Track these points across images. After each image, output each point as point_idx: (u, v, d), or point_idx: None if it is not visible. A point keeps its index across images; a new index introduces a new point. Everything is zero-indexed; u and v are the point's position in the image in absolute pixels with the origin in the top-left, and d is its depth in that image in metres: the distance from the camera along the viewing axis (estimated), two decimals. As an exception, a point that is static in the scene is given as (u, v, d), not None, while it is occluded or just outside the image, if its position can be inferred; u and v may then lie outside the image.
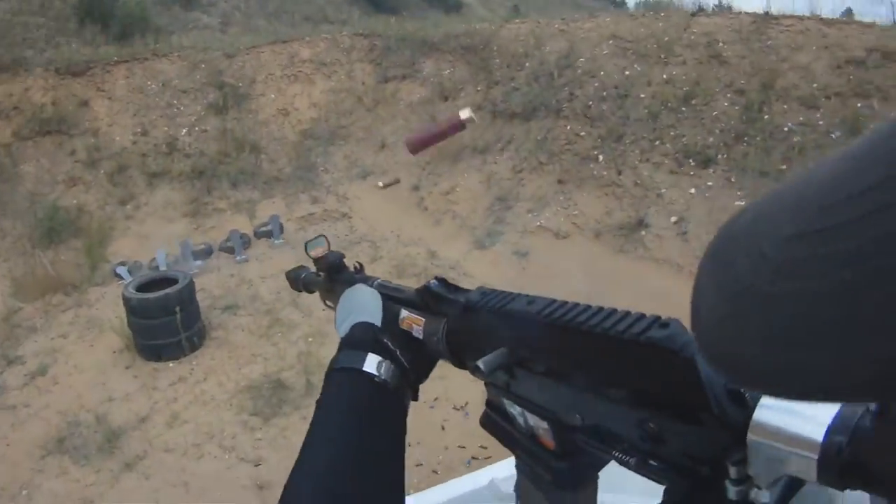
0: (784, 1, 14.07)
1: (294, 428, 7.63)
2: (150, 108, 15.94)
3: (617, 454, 0.79)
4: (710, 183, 10.96)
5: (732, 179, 10.73)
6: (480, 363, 0.91)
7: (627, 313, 0.77)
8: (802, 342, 0.37)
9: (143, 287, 9.47)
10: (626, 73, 13.65)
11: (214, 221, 13.97)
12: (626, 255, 10.76)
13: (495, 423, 1.09)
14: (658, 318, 0.72)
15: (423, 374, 1.22)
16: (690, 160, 11.45)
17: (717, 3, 17.70)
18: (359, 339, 1.17)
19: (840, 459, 0.54)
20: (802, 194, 0.41)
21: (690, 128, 11.93)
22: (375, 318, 1.23)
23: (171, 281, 9.55)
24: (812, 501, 0.63)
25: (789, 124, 10.94)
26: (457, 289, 1.14)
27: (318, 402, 1.08)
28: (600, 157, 12.55)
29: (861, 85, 10.81)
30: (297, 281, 1.71)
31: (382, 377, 1.09)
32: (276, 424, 7.76)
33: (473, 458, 6.79)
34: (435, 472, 6.52)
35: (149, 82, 16.40)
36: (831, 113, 10.73)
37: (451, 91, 16.19)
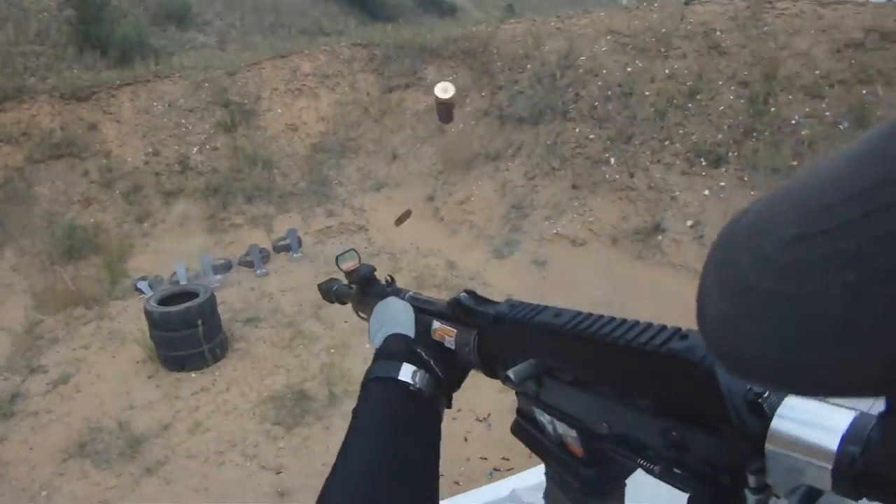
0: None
1: (316, 437, 7.69)
2: (159, 128, 15.96)
3: (642, 462, 0.81)
4: (722, 183, 10.94)
5: (745, 178, 10.70)
6: (511, 373, 0.96)
7: (649, 325, 0.80)
8: (806, 341, 0.39)
9: (164, 301, 9.60)
10: (628, 69, 13.64)
11: (232, 236, 14.02)
12: (643, 261, 10.76)
13: (526, 431, 1.14)
14: (678, 329, 0.75)
15: (457, 384, 1.25)
16: (702, 159, 11.44)
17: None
18: (393, 350, 1.19)
19: (854, 469, 0.56)
20: (804, 195, 0.42)
21: (698, 125, 11.92)
22: (408, 329, 1.26)
23: (191, 295, 9.66)
24: None
25: (796, 117, 10.93)
26: (486, 301, 1.17)
27: (353, 410, 1.10)
28: (612, 160, 12.53)
29: (863, 70, 10.81)
30: (330, 293, 1.74)
31: (417, 386, 1.12)
32: (298, 434, 7.81)
33: (495, 469, 6.84)
34: (457, 482, 6.55)
35: (154, 103, 16.40)
36: (837, 102, 10.71)
37: (456, 98, 16.11)
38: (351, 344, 9.49)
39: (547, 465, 1.11)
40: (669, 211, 11.12)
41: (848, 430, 0.57)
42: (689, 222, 10.72)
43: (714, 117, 11.87)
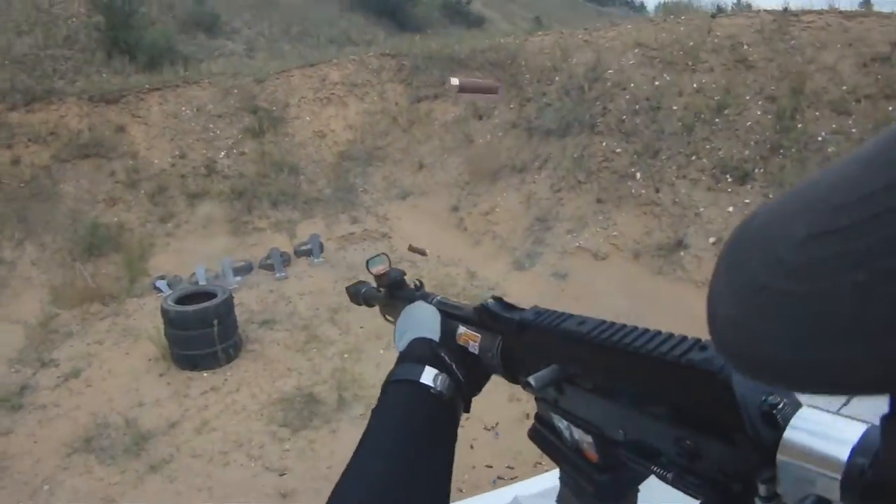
0: (801, -6, 14.08)
1: (322, 441, 7.67)
2: (187, 132, 16.09)
3: (656, 469, 0.81)
4: (747, 200, 10.89)
5: (770, 196, 10.57)
6: (531, 379, 0.96)
7: (670, 335, 0.80)
8: (816, 340, 0.38)
9: (182, 300, 9.63)
10: (656, 83, 13.64)
11: (255, 240, 14.08)
12: (664, 277, 10.74)
13: (543, 436, 1.13)
14: (698, 340, 0.75)
15: (477, 388, 1.25)
16: (728, 176, 11.40)
17: (735, 1, 17.61)
18: (417, 353, 1.19)
19: (862, 480, 0.55)
20: (814, 196, 0.41)
21: (725, 140, 11.88)
22: (434, 333, 1.27)
23: (209, 295, 9.69)
24: None
25: (823, 133, 10.90)
26: (512, 308, 1.17)
27: (373, 411, 1.10)
28: (637, 175, 12.51)
29: (889, 84, 10.79)
30: (358, 295, 1.74)
31: (438, 389, 1.11)
32: (304, 436, 7.79)
33: (499, 477, 6.83)
34: (460, 489, 6.47)
35: (183, 108, 16.56)
36: (863, 118, 10.67)
37: (484, 110, 16.22)
38: (364, 349, 9.50)
39: (562, 470, 1.11)
40: (692, 227, 11.09)
41: (859, 442, 0.58)
42: (712, 239, 10.66)
43: (741, 133, 11.84)
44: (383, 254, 1.59)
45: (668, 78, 13.57)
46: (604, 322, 0.92)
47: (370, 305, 1.69)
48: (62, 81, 17.44)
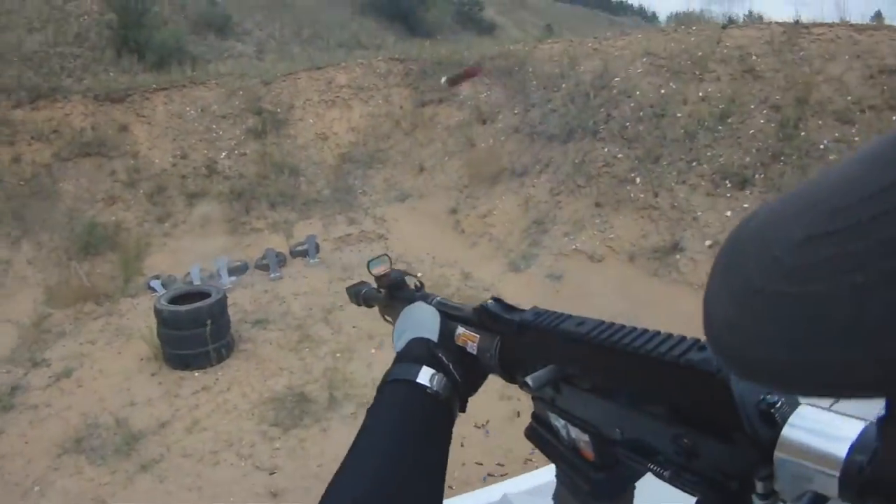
0: (813, 7, 14.08)
1: (313, 440, 7.67)
2: (190, 132, 16.18)
3: (653, 467, 0.81)
4: (746, 205, 10.87)
5: (769, 201, 10.55)
6: (529, 379, 0.96)
7: (669, 335, 0.81)
8: (813, 342, 0.37)
9: (175, 300, 9.66)
10: (662, 91, 13.64)
11: (251, 240, 14.12)
12: (659, 279, 10.73)
13: (540, 435, 1.13)
14: (697, 340, 0.76)
15: (474, 388, 1.25)
16: (727, 181, 11.38)
17: (746, 13, 17.60)
18: (415, 353, 1.19)
19: (861, 477, 0.56)
20: (813, 197, 0.41)
21: (727, 147, 11.86)
22: (433, 333, 1.27)
23: (203, 295, 9.71)
24: None
25: (825, 141, 10.86)
26: (512, 308, 1.17)
27: (369, 410, 1.10)
28: (637, 180, 12.51)
29: (895, 96, 10.72)
30: (358, 296, 1.73)
31: (434, 389, 1.11)
32: (295, 435, 7.79)
33: (489, 475, 6.83)
34: (450, 486, 6.45)
35: (188, 108, 16.66)
36: (867, 127, 10.63)
37: (488, 114, 16.29)
38: (356, 348, 9.51)
39: (558, 469, 1.12)
40: (689, 231, 11.09)
41: (857, 440, 0.58)
42: (708, 242, 10.66)
43: (743, 140, 11.82)
44: (385, 255, 1.60)
45: (674, 86, 13.59)
46: (603, 322, 0.93)
47: (370, 306, 1.69)
48: (69, 79, 17.57)
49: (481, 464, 6.98)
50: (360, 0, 33.19)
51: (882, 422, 0.50)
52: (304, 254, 13.38)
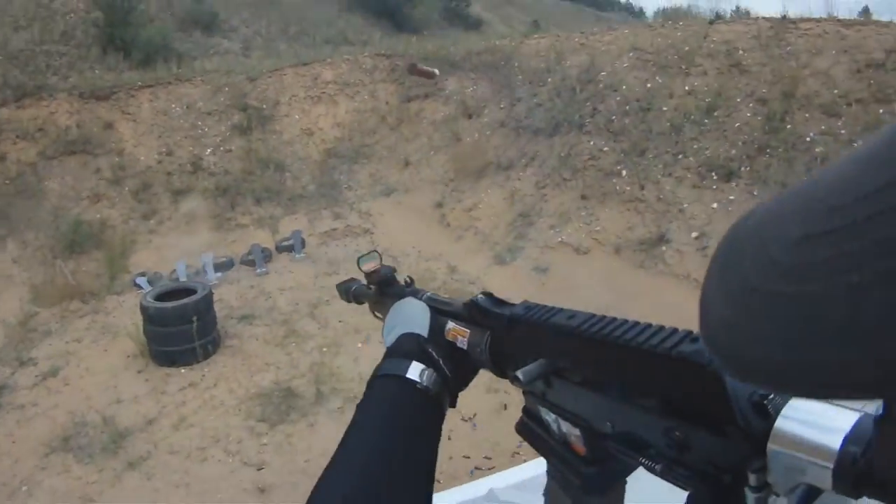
0: (800, 3, 14.10)
1: (300, 435, 7.66)
2: (175, 129, 16.16)
3: (644, 460, 0.81)
4: (731, 197, 10.91)
5: (755, 193, 10.65)
6: (520, 373, 0.96)
7: (661, 328, 0.80)
8: (808, 342, 0.38)
9: (161, 297, 9.64)
10: (648, 85, 13.67)
11: (237, 236, 14.11)
12: (645, 271, 10.77)
13: (531, 429, 1.13)
14: (689, 332, 0.76)
15: (464, 383, 1.25)
16: (713, 174, 11.41)
17: (734, 8, 17.64)
18: (405, 349, 1.20)
19: (855, 469, 0.56)
20: (810, 197, 0.41)
21: (713, 140, 11.89)
22: (423, 329, 1.26)
23: (189, 291, 9.71)
24: None
25: (811, 134, 10.88)
26: (502, 303, 1.17)
27: (358, 405, 1.10)
28: (623, 172, 12.54)
29: (881, 89, 10.77)
30: (348, 293, 1.73)
31: (424, 384, 1.11)
32: (282, 431, 7.78)
33: (477, 468, 6.83)
34: (438, 480, 6.46)
35: (173, 105, 16.65)
36: (853, 120, 10.66)
37: (474, 109, 16.33)
38: (343, 343, 9.50)
39: (549, 463, 1.11)
40: (675, 223, 11.12)
41: (851, 431, 0.58)
42: (694, 234, 10.70)
43: (729, 133, 11.85)
44: (374, 251, 1.58)
45: (660, 81, 13.63)
46: (594, 316, 0.92)
47: (360, 303, 1.69)
48: (55, 77, 17.52)
49: (469, 457, 6.97)
50: (346, -3, 33.12)
51: (878, 420, 0.50)
52: (290, 249, 13.41)
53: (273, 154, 16.10)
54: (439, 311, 1.30)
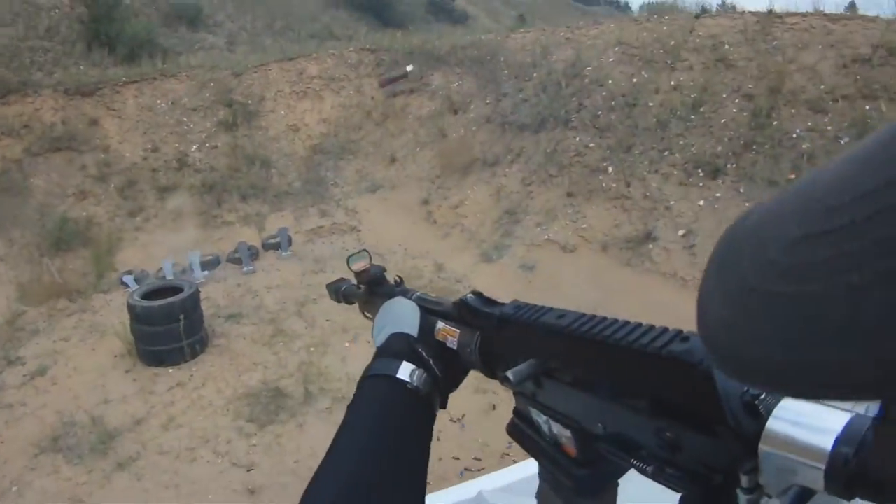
0: (787, -3, 14.14)
1: (289, 435, 7.65)
2: (160, 125, 16.13)
3: (636, 462, 0.80)
4: (718, 194, 10.91)
5: (741, 190, 10.66)
6: (510, 374, 0.95)
7: (651, 327, 0.79)
8: (808, 342, 0.37)
9: (148, 295, 9.61)
10: (634, 80, 13.67)
11: (223, 233, 14.09)
12: (632, 269, 10.75)
13: (521, 431, 1.12)
14: (679, 332, 0.75)
15: (455, 384, 1.25)
16: (699, 170, 11.40)
17: (720, 2, 17.65)
18: (395, 349, 1.19)
19: (847, 470, 0.55)
20: (808, 196, 0.41)
21: (699, 136, 11.89)
22: (412, 329, 1.26)
23: (176, 290, 9.67)
24: None
25: (798, 130, 10.88)
26: (492, 302, 1.17)
27: (348, 406, 1.09)
28: (609, 169, 12.53)
29: (868, 85, 10.77)
30: (338, 293, 1.72)
31: (415, 384, 1.11)
32: (271, 431, 7.77)
33: (466, 469, 6.84)
34: (427, 482, 6.51)
35: (158, 101, 16.61)
36: (839, 116, 10.67)
37: (459, 104, 16.32)
38: (331, 342, 9.50)
39: (540, 465, 1.10)
40: (662, 220, 11.12)
41: (843, 432, 0.57)
42: (681, 231, 10.68)
43: (716, 129, 11.85)
44: (364, 250, 1.58)
45: (646, 75, 13.61)
46: (584, 315, 0.92)
47: (350, 303, 1.68)
48: (40, 73, 17.48)
49: (458, 458, 6.98)
50: (332, -9, 33.05)
51: (876, 421, 0.52)
52: (277, 247, 13.40)
53: (259, 150, 16.09)
54: (429, 311, 1.30)
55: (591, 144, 13.17)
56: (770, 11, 13.44)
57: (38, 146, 14.79)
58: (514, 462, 2.76)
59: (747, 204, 9.99)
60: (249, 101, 17.01)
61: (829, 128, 10.68)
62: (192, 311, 9.41)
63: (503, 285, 10.69)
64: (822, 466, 0.57)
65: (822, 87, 11.21)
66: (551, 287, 10.46)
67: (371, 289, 1.53)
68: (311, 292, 10.83)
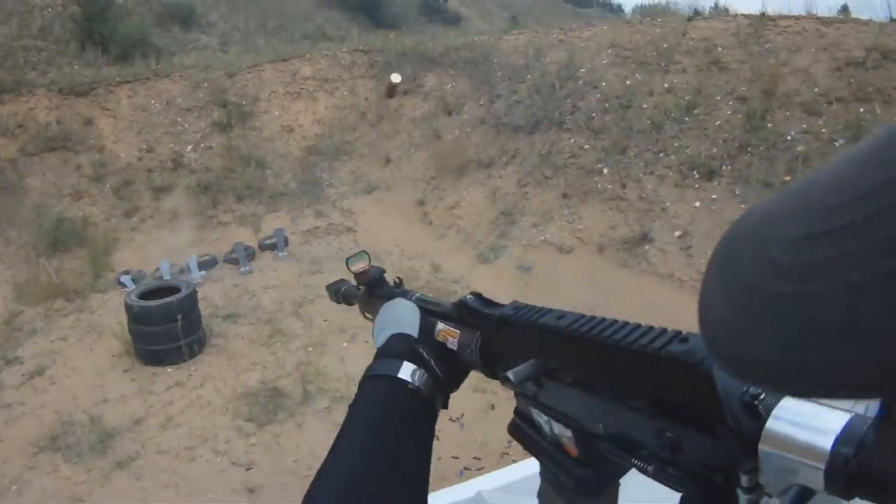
0: (780, 0, 14.17)
1: (288, 434, 7.65)
2: (155, 125, 16.07)
3: (636, 462, 0.80)
4: (714, 196, 10.91)
5: (737, 192, 10.66)
6: (510, 374, 0.95)
7: (651, 328, 0.80)
8: (808, 341, 0.38)
9: (145, 295, 9.59)
10: (628, 82, 13.68)
11: (219, 234, 14.04)
12: (629, 270, 10.75)
13: (522, 431, 1.12)
14: (679, 332, 0.76)
15: (455, 384, 1.25)
16: (695, 172, 11.41)
17: (713, 5, 17.67)
18: (395, 349, 1.19)
19: (847, 470, 0.56)
20: (808, 196, 0.41)
21: (694, 138, 11.89)
22: (413, 329, 1.26)
23: (173, 290, 9.66)
24: None
25: (792, 132, 10.89)
26: (492, 303, 1.17)
27: (350, 406, 1.09)
28: (605, 171, 12.53)
29: (861, 88, 10.78)
30: (338, 294, 1.74)
31: (416, 384, 1.11)
32: (270, 431, 7.76)
33: (466, 468, 6.83)
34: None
35: (152, 101, 16.54)
36: (833, 119, 10.68)
37: (453, 105, 16.32)
38: (328, 342, 9.50)
39: (542, 465, 1.10)
40: (658, 221, 11.11)
41: (842, 432, 0.58)
42: (678, 233, 10.68)
43: (710, 131, 11.85)
44: (363, 251, 1.58)
45: (639, 78, 13.61)
46: (583, 316, 0.93)
47: (350, 304, 1.69)
48: (34, 73, 17.39)
49: (457, 457, 6.97)
50: (325, -8, 33.01)
51: (878, 421, 0.53)
52: (273, 247, 13.39)
53: (254, 151, 16.04)
54: (429, 312, 1.30)
55: (586, 146, 13.17)
56: (763, 14, 13.45)
57: (33, 146, 14.74)
58: (514, 461, 2.78)
59: (743, 205, 10.08)
60: (243, 102, 16.96)
61: (823, 130, 10.67)
62: (189, 310, 9.39)
63: (500, 286, 10.69)
64: (822, 466, 0.58)
65: (816, 89, 11.21)
66: (548, 288, 10.47)
67: (371, 290, 1.54)
68: (308, 292, 10.84)
